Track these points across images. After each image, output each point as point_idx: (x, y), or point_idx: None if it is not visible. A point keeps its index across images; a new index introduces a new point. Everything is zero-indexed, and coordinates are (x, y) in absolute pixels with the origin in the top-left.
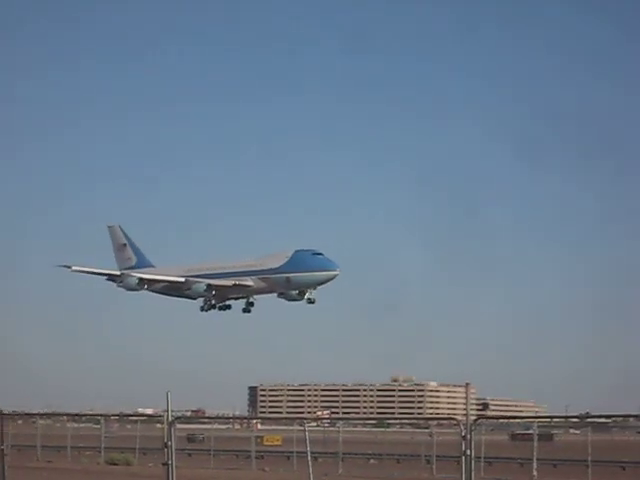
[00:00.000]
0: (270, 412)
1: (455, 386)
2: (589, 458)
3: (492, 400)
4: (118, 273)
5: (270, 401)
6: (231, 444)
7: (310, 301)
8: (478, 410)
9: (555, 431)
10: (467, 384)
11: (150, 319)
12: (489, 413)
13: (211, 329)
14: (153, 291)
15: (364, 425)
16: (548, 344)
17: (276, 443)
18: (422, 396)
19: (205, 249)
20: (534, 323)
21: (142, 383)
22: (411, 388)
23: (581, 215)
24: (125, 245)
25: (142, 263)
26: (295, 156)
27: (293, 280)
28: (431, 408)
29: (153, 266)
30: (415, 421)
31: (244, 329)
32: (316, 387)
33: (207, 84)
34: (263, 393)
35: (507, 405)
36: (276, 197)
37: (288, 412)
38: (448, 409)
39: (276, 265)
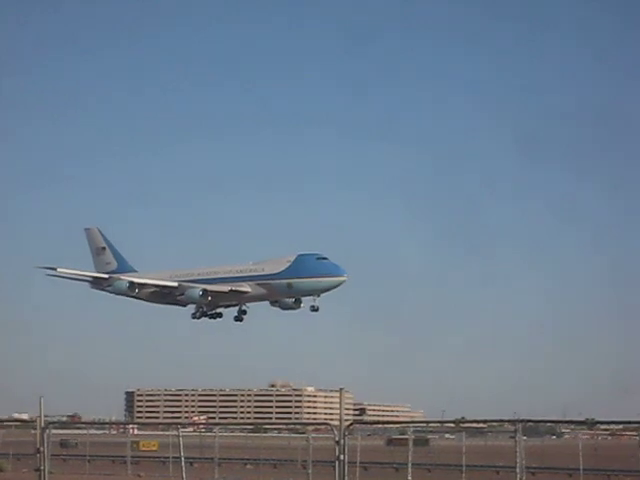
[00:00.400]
0: (147, 417)
1: (332, 391)
2: (463, 462)
3: (369, 405)
4: (106, 276)
5: (147, 406)
6: (107, 449)
7: (314, 309)
8: (355, 415)
9: (431, 436)
10: (341, 389)
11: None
12: (366, 418)
13: (94, 331)
14: (139, 298)
15: (241, 430)
16: (425, 350)
17: (152, 448)
18: (300, 401)
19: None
20: (411, 329)
21: (24, 386)
22: (289, 393)
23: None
24: (104, 249)
25: (123, 268)
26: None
27: (295, 286)
28: (308, 413)
29: (136, 271)
30: (292, 426)
31: (120, 334)
32: (194, 392)
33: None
34: (140, 398)
35: (384, 410)
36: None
37: (165, 417)
38: (325, 414)
39: (277, 270)
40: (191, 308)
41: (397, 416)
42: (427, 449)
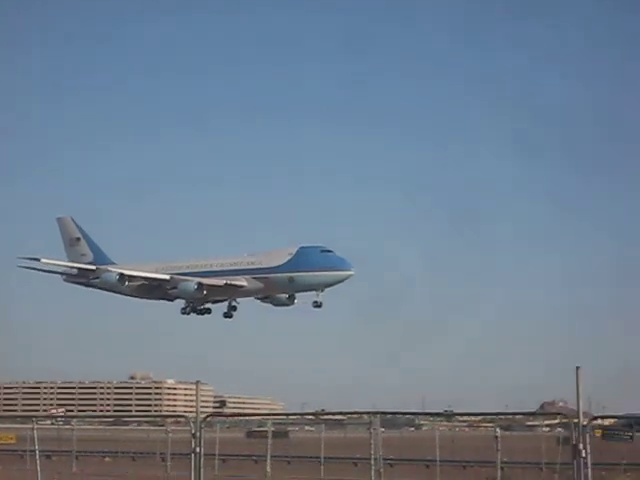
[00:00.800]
0: (5, 410)
1: (193, 384)
2: (322, 454)
3: (230, 398)
4: (93, 268)
5: (5, 399)
6: None
7: (317, 305)
8: (215, 408)
9: (291, 428)
10: (197, 382)
11: None
12: (227, 411)
13: None
14: (123, 293)
15: (100, 423)
16: (284, 344)
17: (10, 441)
18: (159, 394)
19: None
20: (271, 324)
21: None
22: (148, 386)
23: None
24: (79, 239)
25: (100, 260)
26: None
27: (298, 280)
28: (168, 406)
29: (114, 263)
30: (152, 419)
31: None
32: (52, 385)
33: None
34: None
35: (245, 403)
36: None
37: (23, 410)
38: (185, 407)
39: (277, 263)
40: (179, 303)
41: (258, 408)
42: (287, 441)
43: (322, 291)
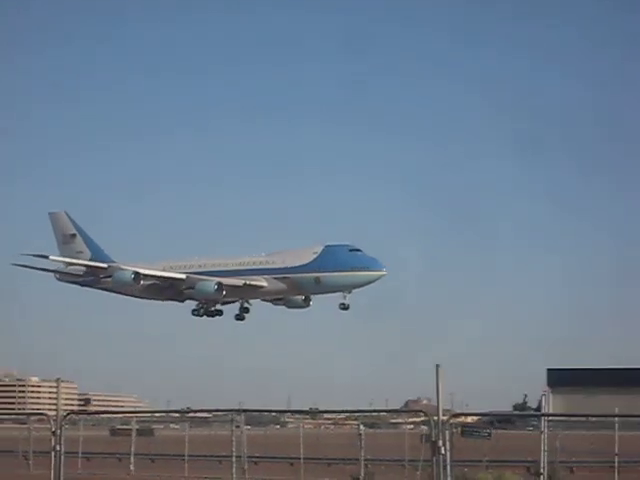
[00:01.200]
0: None
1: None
2: (186, 452)
3: (95, 396)
4: (104, 265)
5: None
6: None
7: (344, 307)
8: (80, 405)
9: (156, 426)
10: (58, 379)
11: None
12: (91, 408)
13: None
14: (131, 294)
15: None
16: (151, 342)
17: None
18: (23, 392)
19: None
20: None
21: None
22: (12, 383)
23: None
24: (74, 236)
25: (99, 258)
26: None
27: (325, 281)
28: (32, 404)
29: (114, 261)
30: (15, 417)
31: None
32: None
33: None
34: None
35: (110, 400)
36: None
37: None
38: (50, 405)
39: (301, 262)
40: (189, 304)
41: (122, 406)
42: (151, 439)
43: (349, 292)
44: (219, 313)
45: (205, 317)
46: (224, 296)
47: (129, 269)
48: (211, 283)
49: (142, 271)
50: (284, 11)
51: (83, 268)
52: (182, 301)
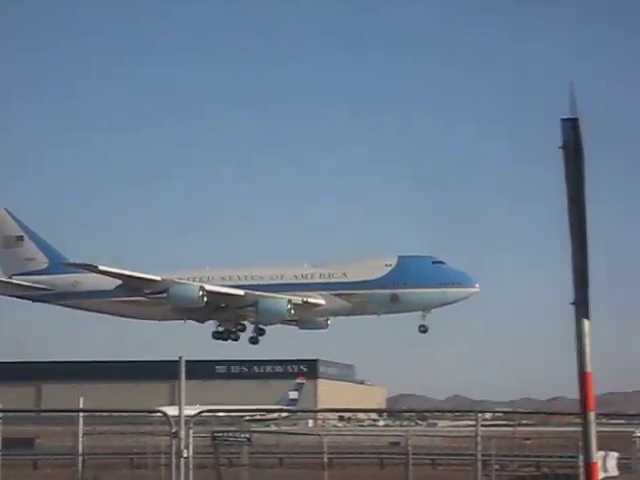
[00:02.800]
0: None
1: None
2: None
3: None
4: (158, 278)
5: None
6: None
7: (424, 329)
8: None
9: None
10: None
11: None
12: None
13: None
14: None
15: None
16: None
17: None
18: None
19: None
20: None
21: None
22: None
23: None
24: (21, 238)
25: (59, 266)
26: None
27: (404, 299)
28: None
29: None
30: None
31: None
32: None
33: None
34: None
35: None
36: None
37: None
38: None
39: (370, 277)
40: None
41: None
42: None
43: (429, 312)
44: (238, 334)
45: (222, 340)
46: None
47: (193, 283)
48: (283, 301)
49: (209, 287)
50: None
51: (39, 277)
52: (202, 322)
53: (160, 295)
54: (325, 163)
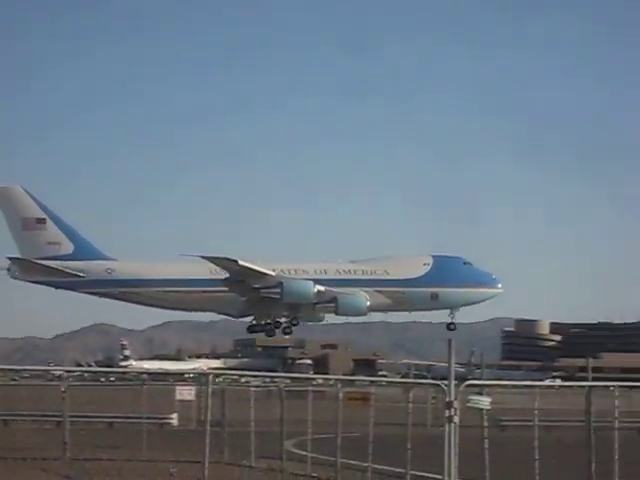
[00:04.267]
0: None
1: None
2: None
3: None
4: (272, 273)
5: None
6: None
7: (453, 327)
8: None
9: None
10: None
11: None
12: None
13: None
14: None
15: None
16: None
17: None
18: None
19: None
20: None
21: None
22: None
23: None
24: (43, 221)
25: (86, 252)
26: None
27: (442, 298)
28: None
29: (112, 259)
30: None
31: None
32: None
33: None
34: None
35: None
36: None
37: None
38: None
39: (411, 275)
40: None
41: None
42: None
43: (458, 310)
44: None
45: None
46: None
47: (307, 280)
48: (362, 298)
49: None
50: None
51: (68, 263)
52: (237, 317)
53: (273, 290)
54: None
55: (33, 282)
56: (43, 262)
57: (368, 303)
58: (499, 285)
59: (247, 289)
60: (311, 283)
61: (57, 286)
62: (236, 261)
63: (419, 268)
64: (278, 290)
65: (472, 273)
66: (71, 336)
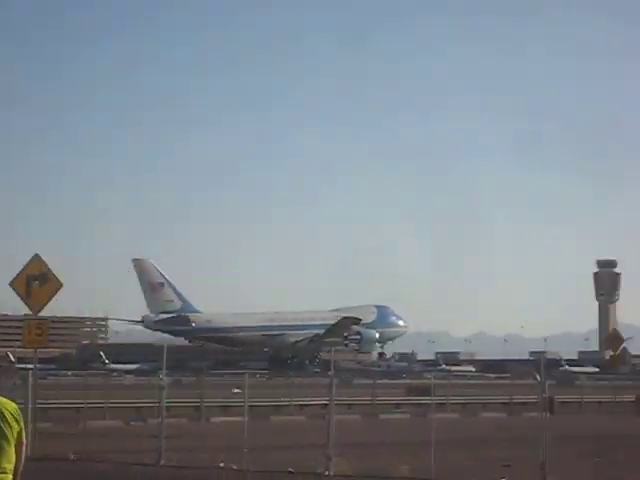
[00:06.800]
0: None
1: None
2: None
3: None
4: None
5: None
6: None
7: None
8: None
9: None
10: None
11: None
12: None
13: None
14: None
15: None
16: None
17: None
18: None
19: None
20: None
21: None
22: None
23: None
24: (162, 284)
25: (188, 307)
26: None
27: (385, 336)
28: None
29: (199, 311)
30: None
31: None
32: None
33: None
34: None
35: None
36: None
37: None
38: None
39: (369, 319)
40: None
41: None
42: None
43: (385, 343)
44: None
45: None
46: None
47: (372, 330)
48: (374, 332)
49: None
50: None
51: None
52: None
53: (354, 337)
54: None
55: (158, 330)
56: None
57: (378, 335)
58: (406, 325)
59: (339, 337)
60: (375, 332)
61: (174, 334)
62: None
63: (371, 314)
64: (359, 337)
65: (394, 316)
66: None
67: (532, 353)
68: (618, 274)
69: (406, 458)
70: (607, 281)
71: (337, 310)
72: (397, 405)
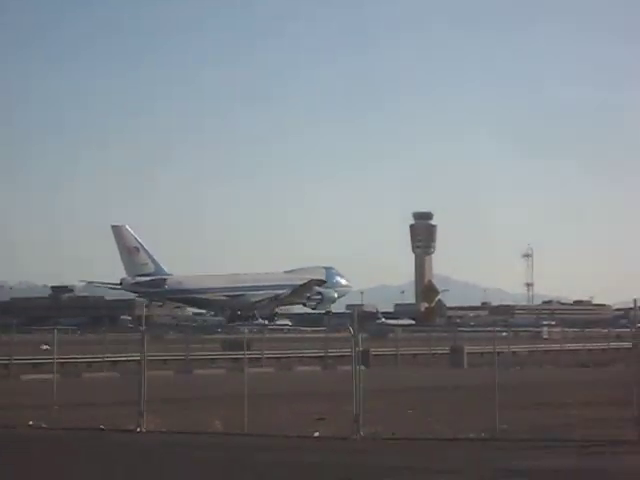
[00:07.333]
0: None
1: None
2: None
3: None
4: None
5: None
6: None
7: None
8: None
9: None
10: None
11: None
12: None
13: None
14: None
15: None
16: None
17: None
18: None
19: None
20: None
21: None
22: None
23: None
24: (138, 249)
25: (160, 270)
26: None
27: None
28: None
29: (169, 274)
30: None
31: None
32: None
33: None
34: None
35: None
36: None
37: None
38: None
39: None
40: None
41: None
42: None
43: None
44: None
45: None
46: None
47: (331, 290)
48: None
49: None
50: None
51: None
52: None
53: (316, 297)
54: None
55: (133, 292)
56: (138, 279)
57: (336, 296)
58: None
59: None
60: (333, 291)
61: (146, 296)
62: (325, 281)
63: (320, 274)
64: (320, 297)
65: (338, 276)
66: None
67: (349, 306)
68: (434, 226)
69: (220, 413)
70: (423, 232)
71: (291, 272)
72: (212, 360)
